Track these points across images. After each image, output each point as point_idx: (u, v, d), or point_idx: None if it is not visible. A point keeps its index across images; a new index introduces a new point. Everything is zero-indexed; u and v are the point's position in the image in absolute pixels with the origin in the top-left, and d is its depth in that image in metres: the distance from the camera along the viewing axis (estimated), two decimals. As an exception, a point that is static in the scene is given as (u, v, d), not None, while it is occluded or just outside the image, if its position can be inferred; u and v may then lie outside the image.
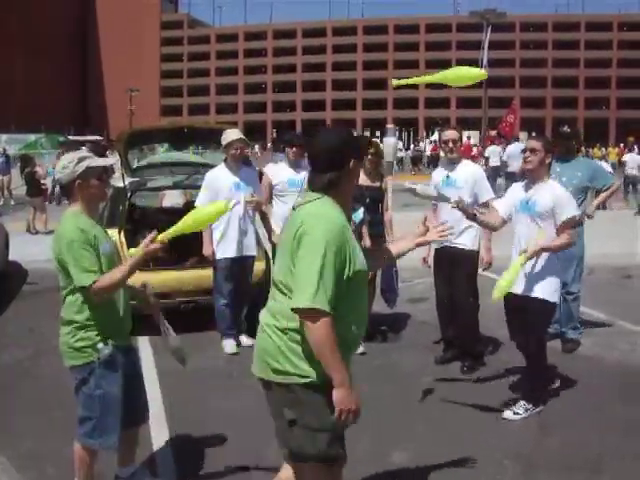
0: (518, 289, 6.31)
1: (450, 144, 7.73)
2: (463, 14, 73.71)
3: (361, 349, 8.17)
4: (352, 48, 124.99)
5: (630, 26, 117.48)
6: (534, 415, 6.43)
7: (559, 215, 6.25)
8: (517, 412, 6.42)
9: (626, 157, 28.55)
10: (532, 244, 6.14)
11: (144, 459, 5.44)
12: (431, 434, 6.09)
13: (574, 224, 6.38)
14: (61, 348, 4.58)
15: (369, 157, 8.47)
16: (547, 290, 6.30)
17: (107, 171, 4.73)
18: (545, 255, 6.25)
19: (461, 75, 5.66)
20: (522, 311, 6.39)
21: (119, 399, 4.58)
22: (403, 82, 5.64)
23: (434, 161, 45.89)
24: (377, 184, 8.68)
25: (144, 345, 8.25)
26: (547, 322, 6.65)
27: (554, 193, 6.33)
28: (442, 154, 8.11)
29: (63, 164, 4.51)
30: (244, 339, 8.55)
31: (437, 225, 4.41)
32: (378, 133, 66.31)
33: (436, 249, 7.80)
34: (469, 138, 44.05)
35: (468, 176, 7.69)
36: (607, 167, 18.80)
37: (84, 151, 4.89)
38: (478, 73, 5.68)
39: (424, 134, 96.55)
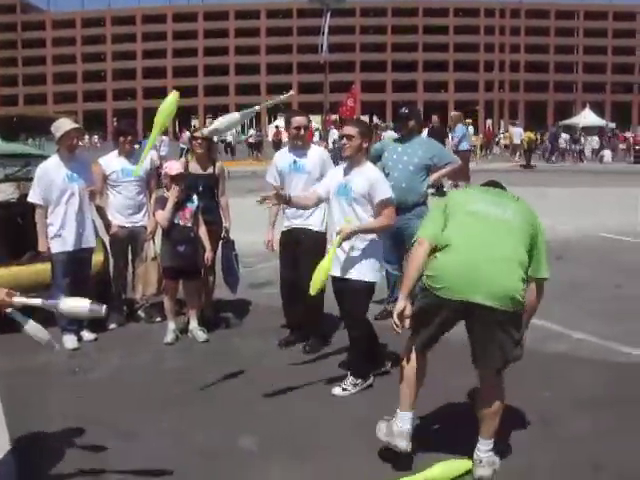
0: (337, 272, 6.49)
1: (301, 130, 7.80)
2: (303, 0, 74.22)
3: (204, 337, 8.20)
4: (193, 34, 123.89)
5: (465, 12, 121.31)
6: (363, 389, 6.65)
7: (374, 198, 6.40)
8: (346, 388, 6.60)
9: None
10: (345, 226, 6.31)
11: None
12: (275, 415, 6.17)
13: (389, 205, 6.49)
14: None
15: (198, 142, 8.52)
16: (363, 271, 6.47)
17: None
18: (363, 236, 6.43)
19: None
20: (343, 292, 6.62)
21: None
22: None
23: (277, 146, 46.13)
24: (209, 171, 8.69)
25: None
26: (365, 301, 6.71)
27: (369, 177, 6.47)
28: (287, 139, 8.09)
29: None
30: (85, 334, 8.36)
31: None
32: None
33: (282, 231, 7.91)
34: (310, 122, 44.37)
35: (316, 160, 7.80)
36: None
37: None
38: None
39: (267, 119, 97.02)
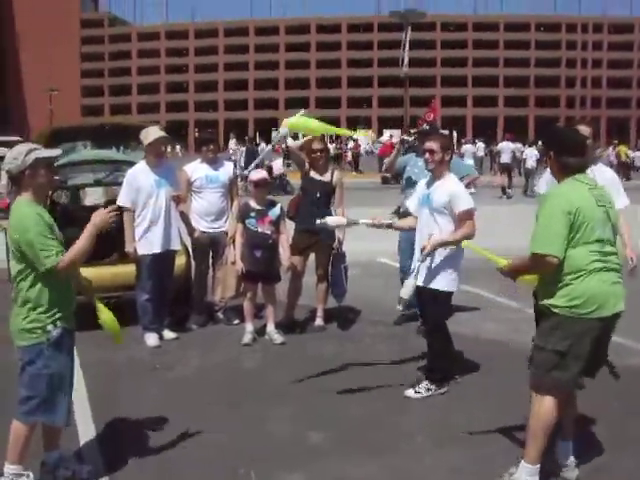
0: (420, 281, 6.76)
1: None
2: (384, 14, 74.35)
3: (280, 339, 8.48)
4: (274, 48, 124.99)
5: (547, 27, 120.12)
6: (437, 394, 6.83)
7: (455, 209, 6.68)
8: (419, 391, 6.81)
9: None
10: (430, 240, 6.60)
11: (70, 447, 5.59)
12: (344, 413, 6.40)
13: (470, 216, 6.73)
14: (12, 329, 4.82)
15: (317, 154, 8.99)
16: (439, 281, 6.75)
17: (54, 161, 4.99)
18: (440, 248, 6.69)
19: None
20: (424, 300, 6.93)
21: (67, 379, 4.92)
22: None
23: (355, 159, 46.73)
24: (326, 179, 9.05)
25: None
26: (441, 310, 6.96)
27: (449, 189, 6.75)
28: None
29: (13, 155, 4.74)
30: (167, 333, 8.73)
31: None
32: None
33: None
34: (391, 137, 44.62)
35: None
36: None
37: (31, 144, 5.07)
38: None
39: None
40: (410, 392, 6.83)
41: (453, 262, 6.81)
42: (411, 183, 8.88)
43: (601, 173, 6.51)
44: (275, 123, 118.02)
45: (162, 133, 8.60)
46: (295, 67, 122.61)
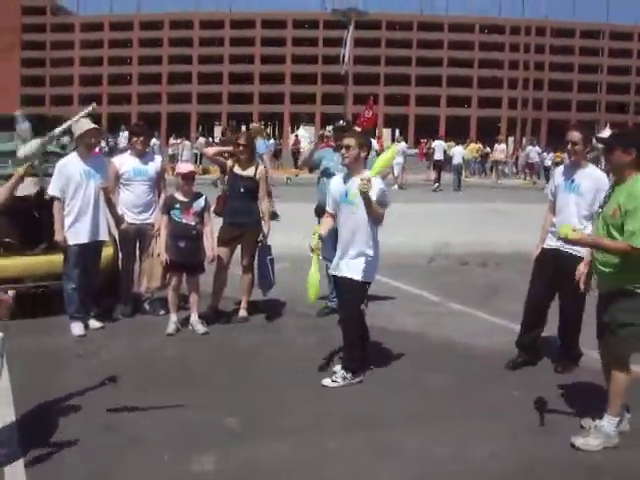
0: (337, 270, 7.19)
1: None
2: (329, 11, 74.63)
3: (203, 329, 8.67)
4: (219, 42, 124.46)
5: (490, 28, 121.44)
6: (353, 383, 7.09)
7: (379, 202, 6.92)
8: (335, 380, 7.06)
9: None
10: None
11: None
12: (261, 398, 6.63)
13: (385, 206, 7.04)
14: None
15: (240, 149, 9.17)
16: (355, 270, 7.05)
17: None
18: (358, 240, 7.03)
19: None
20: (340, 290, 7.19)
21: None
22: None
23: (295, 155, 46.72)
24: (250, 173, 9.24)
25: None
26: (356, 300, 7.20)
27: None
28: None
29: None
30: (93, 322, 8.84)
31: None
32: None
33: (543, 247, 7.64)
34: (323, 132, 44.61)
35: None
36: None
37: None
38: None
39: (289, 129, 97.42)
40: (327, 381, 7.07)
41: (371, 252, 7.07)
42: (327, 174, 9.27)
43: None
44: (218, 117, 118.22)
45: (93, 125, 8.72)
46: (240, 62, 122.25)
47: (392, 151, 7.43)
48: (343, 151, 7.08)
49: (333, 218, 7.32)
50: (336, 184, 7.33)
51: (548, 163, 38.91)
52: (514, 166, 48.66)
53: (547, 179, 37.00)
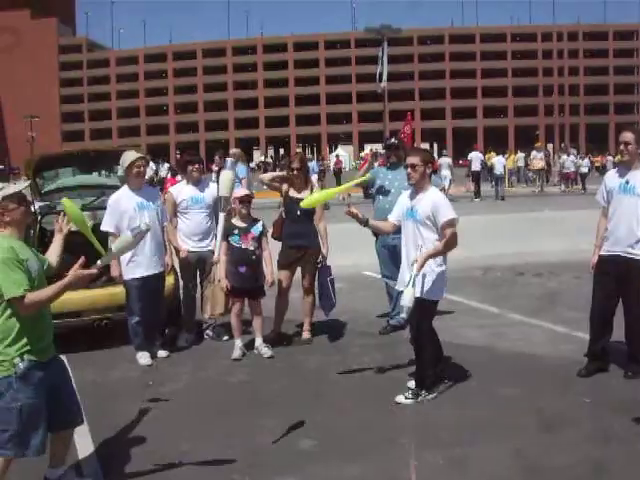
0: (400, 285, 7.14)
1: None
2: (360, 30, 74.82)
3: (269, 353, 8.70)
4: (253, 67, 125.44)
5: (522, 37, 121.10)
6: (427, 399, 7.04)
7: (438, 220, 6.92)
8: (409, 397, 7.02)
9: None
10: (418, 255, 6.82)
11: (70, 462, 5.77)
12: (333, 419, 6.64)
13: (452, 225, 6.98)
14: None
15: (294, 173, 9.26)
16: (427, 290, 6.97)
17: (23, 194, 5.16)
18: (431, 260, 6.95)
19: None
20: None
21: (40, 411, 4.92)
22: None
23: (338, 175, 46.85)
24: (305, 196, 9.17)
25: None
26: (428, 317, 7.18)
27: (433, 200, 7.01)
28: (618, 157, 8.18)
29: None
30: (160, 352, 8.90)
31: None
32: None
33: (601, 254, 7.56)
34: (371, 150, 44.89)
35: None
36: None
37: None
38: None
39: (327, 149, 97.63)
40: (400, 398, 7.02)
41: (440, 272, 7.05)
42: (383, 191, 9.44)
43: None
44: (256, 142, 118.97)
45: (138, 154, 8.77)
46: (274, 86, 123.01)
47: (339, 189, 7.45)
48: (409, 170, 7.08)
49: (391, 227, 7.40)
50: (403, 199, 7.34)
51: (584, 170, 38.51)
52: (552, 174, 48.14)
53: (583, 185, 36.80)
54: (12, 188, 5.12)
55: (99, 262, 5.12)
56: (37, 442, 4.91)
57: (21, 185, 5.36)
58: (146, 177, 9.43)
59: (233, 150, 13.76)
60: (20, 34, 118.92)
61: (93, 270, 4.97)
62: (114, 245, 5.45)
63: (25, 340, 4.85)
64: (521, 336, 9.27)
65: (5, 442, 4.82)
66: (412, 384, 7.23)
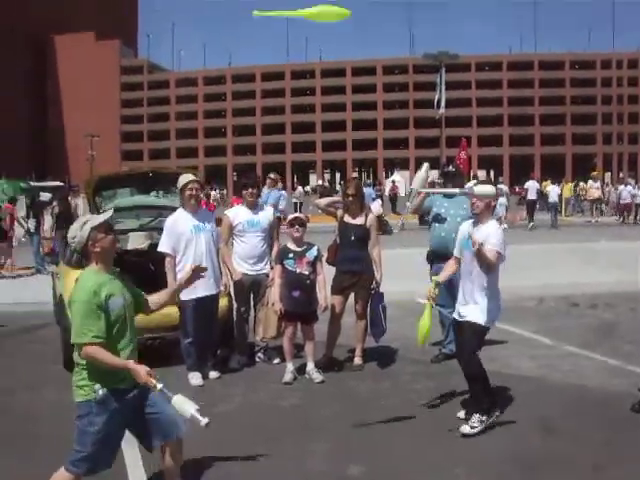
0: (460, 314, 7.15)
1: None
2: (418, 55, 75.05)
3: (320, 378, 8.71)
4: (311, 91, 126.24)
5: (581, 64, 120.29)
6: (493, 419, 7.01)
7: (486, 244, 6.86)
8: (474, 426, 6.92)
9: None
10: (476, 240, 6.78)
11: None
12: (384, 448, 6.59)
13: (494, 257, 6.92)
14: (73, 385, 5.08)
15: (350, 199, 9.32)
16: (479, 315, 6.98)
17: (110, 224, 5.25)
18: (480, 285, 6.96)
19: (324, 12, 6.18)
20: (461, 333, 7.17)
21: (114, 436, 5.10)
22: (265, 13, 6.26)
23: (393, 200, 46.85)
24: (360, 222, 9.32)
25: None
26: (475, 343, 7.15)
27: (487, 230, 7.00)
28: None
29: (72, 235, 5.09)
30: (212, 373, 8.96)
31: None
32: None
33: None
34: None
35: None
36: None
37: (84, 217, 5.42)
38: (341, 10, 6.20)
39: (383, 174, 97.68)
40: (466, 429, 6.91)
41: (493, 299, 7.04)
42: (439, 219, 9.43)
43: None
44: (313, 165, 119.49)
45: (192, 177, 8.91)
46: (331, 110, 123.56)
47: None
48: (474, 200, 7.10)
49: (458, 263, 7.33)
50: (464, 230, 7.32)
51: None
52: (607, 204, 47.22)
53: (636, 216, 36.16)
54: (99, 218, 5.21)
55: (159, 385, 5.00)
56: (107, 460, 5.11)
57: (107, 214, 5.43)
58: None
59: (270, 175, 13.96)
60: (85, 55, 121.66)
61: (152, 381, 4.95)
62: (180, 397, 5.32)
63: (105, 370, 4.98)
64: (574, 368, 9.16)
65: (77, 460, 4.99)
66: (462, 414, 7.19)
